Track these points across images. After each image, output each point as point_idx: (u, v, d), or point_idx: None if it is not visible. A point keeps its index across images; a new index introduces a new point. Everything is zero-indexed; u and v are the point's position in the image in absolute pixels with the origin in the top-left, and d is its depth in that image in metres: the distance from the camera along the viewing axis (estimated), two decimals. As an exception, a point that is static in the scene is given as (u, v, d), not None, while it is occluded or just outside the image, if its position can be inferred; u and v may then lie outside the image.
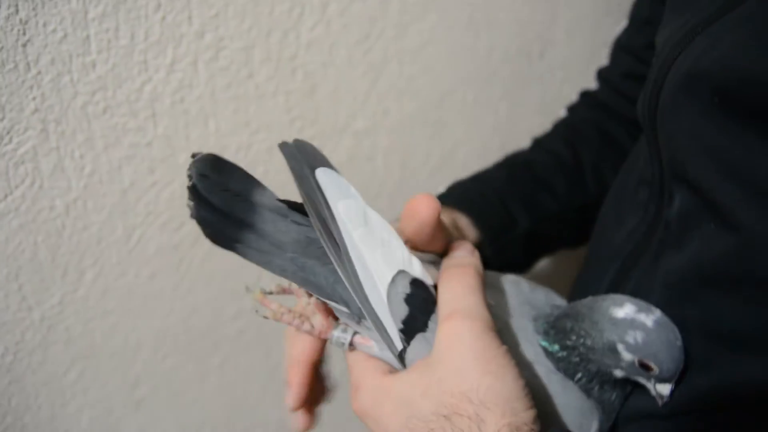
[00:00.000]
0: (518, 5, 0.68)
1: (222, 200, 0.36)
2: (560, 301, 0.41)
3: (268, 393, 0.70)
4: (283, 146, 0.37)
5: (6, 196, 0.52)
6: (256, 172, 0.60)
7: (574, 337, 0.37)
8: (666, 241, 0.39)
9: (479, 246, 0.48)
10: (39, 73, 0.49)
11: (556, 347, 0.37)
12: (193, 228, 0.60)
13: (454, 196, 0.52)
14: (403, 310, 0.35)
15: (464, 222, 0.50)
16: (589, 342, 0.37)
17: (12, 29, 0.47)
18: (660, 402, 0.37)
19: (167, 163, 0.56)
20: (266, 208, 0.36)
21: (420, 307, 0.35)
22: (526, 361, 0.37)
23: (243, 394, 0.69)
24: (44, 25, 0.48)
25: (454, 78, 0.67)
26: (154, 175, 0.56)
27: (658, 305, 0.37)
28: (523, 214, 0.53)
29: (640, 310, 0.36)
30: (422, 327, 0.35)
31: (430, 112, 0.68)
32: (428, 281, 0.36)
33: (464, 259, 0.37)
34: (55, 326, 0.58)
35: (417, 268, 0.36)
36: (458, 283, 0.35)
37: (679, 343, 0.36)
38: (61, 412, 0.62)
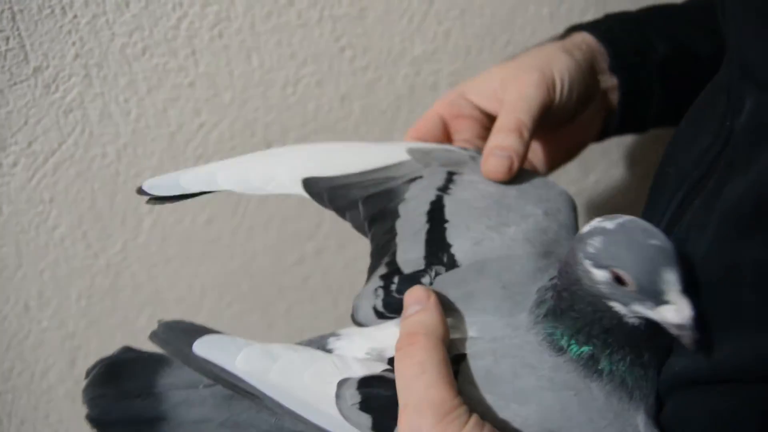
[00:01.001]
0: None
1: (124, 410, 0.35)
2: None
3: (336, 340, 0.68)
4: (153, 337, 0.35)
5: (60, 145, 0.53)
6: (307, 109, 0.59)
7: (566, 293, 0.32)
8: (733, 163, 0.32)
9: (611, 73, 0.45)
10: (75, 16, 0.49)
11: (566, 337, 0.32)
12: (246, 171, 0.58)
13: (581, 25, 0.48)
14: (366, 420, 0.31)
15: (592, 45, 0.46)
16: (574, 287, 0.31)
17: (44, -28, 0.47)
18: (682, 336, 0.29)
19: (212, 103, 0.54)
20: (174, 389, 0.35)
21: (382, 407, 0.31)
22: (531, 389, 0.31)
23: (311, 341, 0.68)
24: (74, -35, 0.47)
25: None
26: (200, 117, 0.55)
27: (709, 245, 0.30)
28: (661, 42, 0.47)
29: (605, 218, 0.30)
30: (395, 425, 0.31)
31: (498, 32, 0.61)
32: (376, 369, 0.32)
33: (413, 323, 0.32)
34: (121, 272, 0.59)
35: (356, 366, 0.33)
36: (408, 364, 0.30)
37: (653, 242, 0.29)
38: (137, 357, 0.64)
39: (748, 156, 0.31)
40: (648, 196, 0.44)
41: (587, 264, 0.30)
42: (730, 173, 0.32)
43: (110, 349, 0.63)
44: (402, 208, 0.38)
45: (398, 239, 0.37)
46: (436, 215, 0.37)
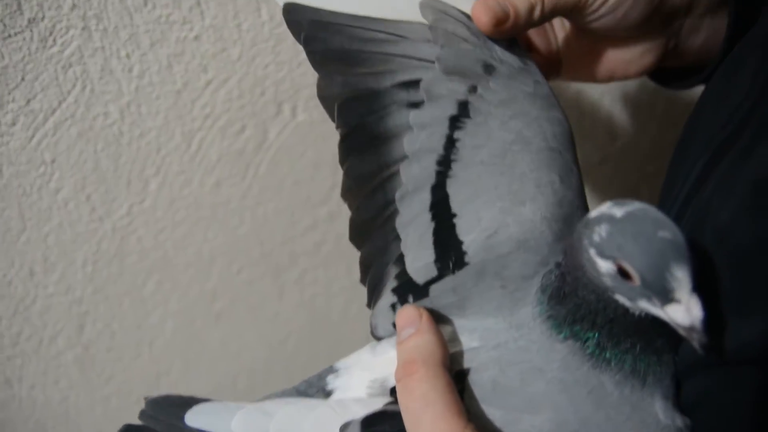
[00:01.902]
0: None
1: None
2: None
3: (351, 308, 0.66)
4: (142, 417, 0.34)
5: (60, 103, 0.50)
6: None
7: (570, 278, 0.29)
8: (765, 125, 0.29)
9: None
10: (72, -37, 0.45)
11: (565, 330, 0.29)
12: (256, 131, 0.56)
13: None
14: None
15: None
16: (578, 274, 0.29)
17: None
18: (690, 337, 0.27)
19: (220, 59, 0.51)
20: None
21: None
22: (541, 395, 0.29)
23: (325, 310, 0.66)
24: None
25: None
26: (207, 74, 0.51)
27: (734, 215, 0.27)
28: None
29: (615, 204, 0.28)
30: None
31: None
32: (377, 404, 0.31)
33: (409, 349, 0.30)
34: (127, 237, 0.57)
35: (356, 407, 0.31)
36: (411, 399, 0.28)
37: (663, 234, 0.26)
38: (145, 322, 0.62)
39: None
40: (670, 161, 0.40)
41: (592, 252, 0.28)
42: (763, 134, 0.29)
43: (118, 315, 0.62)
44: (400, 198, 0.34)
45: (403, 246, 0.34)
46: (441, 207, 0.34)
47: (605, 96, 0.65)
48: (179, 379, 0.66)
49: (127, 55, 0.49)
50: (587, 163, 0.67)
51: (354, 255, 0.67)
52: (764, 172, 0.28)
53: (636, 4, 0.39)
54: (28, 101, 0.49)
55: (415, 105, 0.34)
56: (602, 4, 0.39)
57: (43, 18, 0.47)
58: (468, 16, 0.36)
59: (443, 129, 0.34)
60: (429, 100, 0.34)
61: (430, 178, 0.34)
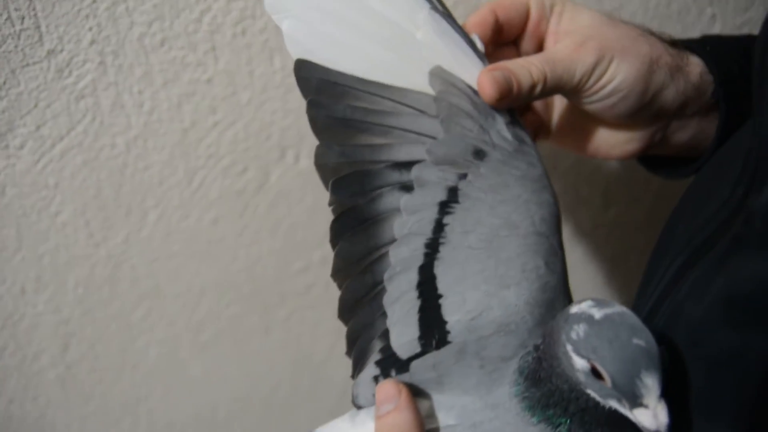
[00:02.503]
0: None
1: None
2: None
3: (335, 352, 0.67)
4: None
5: (69, 132, 0.51)
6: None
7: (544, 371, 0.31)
8: (743, 240, 0.30)
9: (706, 91, 0.41)
10: (94, 1, 0.47)
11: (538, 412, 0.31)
12: (258, 173, 0.57)
13: (686, 39, 0.44)
14: None
15: (694, 65, 0.42)
16: (554, 363, 0.30)
17: (66, -46, 0.45)
18: None
19: (229, 102, 0.52)
20: None
21: None
22: None
23: (309, 351, 0.67)
24: (98, -51, 0.45)
25: None
26: (215, 115, 0.53)
27: (706, 322, 0.28)
28: None
29: (596, 304, 0.29)
30: None
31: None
32: None
33: (387, 427, 0.31)
34: (121, 264, 0.58)
35: None
36: None
37: (638, 341, 0.28)
38: (130, 346, 0.62)
39: (761, 240, 0.29)
40: (652, 252, 0.41)
41: (569, 348, 0.29)
42: (738, 249, 0.30)
43: (104, 338, 0.62)
44: (388, 278, 0.35)
45: (389, 322, 0.35)
46: (428, 286, 0.35)
47: (604, 163, 0.66)
48: (158, 405, 0.66)
49: (140, 92, 0.50)
50: (580, 228, 0.68)
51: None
52: (736, 288, 0.29)
53: (627, 98, 0.40)
54: (38, 127, 0.50)
55: (407, 188, 0.35)
56: (596, 91, 0.40)
57: (62, 50, 0.48)
58: (474, 90, 0.37)
59: (432, 214, 0.35)
60: (419, 187, 0.35)
61: (418, 259, 0.35)
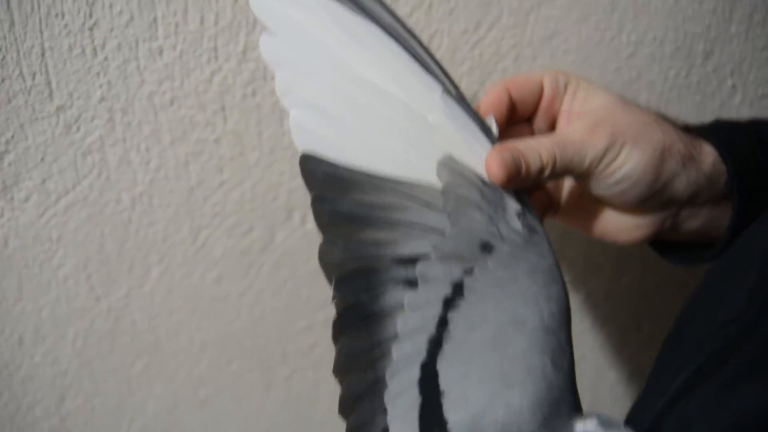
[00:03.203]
0: (679, -8, 0.55)
1: None
2: None
3: (335, 413, 0.65)
4: None
5: (74, 186, 0.50)
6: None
7: None
8: (758, 366, 0.28)
9: (719, 181, 0.40)
10: (105, 59, 0.46)
11: None
12: (264, 233, 0.56)
13: (699, 126, 0.43)
14: None
15: (707, 154, 0.41)
16: None
17: (79, 12, 0.45)
18: None
19: (237, 163, 0.52)
20: None
21: None
22: None
23: (309, 411, 0.65)
24: (110, 6, 0.45)
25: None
26: (222, 175, 0.52)
27: None
28: None
29: (601, 424, 0.29)
30: None
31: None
32: None
33: None
34: (122, 318, 0.57)
35: None
36: None
37: None
38: (128, 400, 0.61)
39: None
40: (662, 346, 0.39)
41: None
42: (753, 374, 0.29)
43: (101, 391, 0.61)
44: (390, 374, 0.34)
45: (389, 419, 0.33)
46: (430, 383, 0.33)
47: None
48: (154, 461, 0.64)
49: (147, 149, 0.50)
50: (591, 296, 0.66)
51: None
52: (750, 420, 0.27)
53: (637, 185, 0.39)
54: (44, 180, 0.50)
55: (411, 284, 0.34)
56: (606, 177, 0.39)
57: (71, 106, 0.47)
58: (484, 181, 0.36)
59: (436, 310, 0.34)
60: (424, 283, 0.34)
61: (421, 356, 0.33)
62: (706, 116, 0.60)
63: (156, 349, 0.59)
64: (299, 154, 0.36)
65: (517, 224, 0.35)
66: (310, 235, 0.56)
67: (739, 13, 0.56)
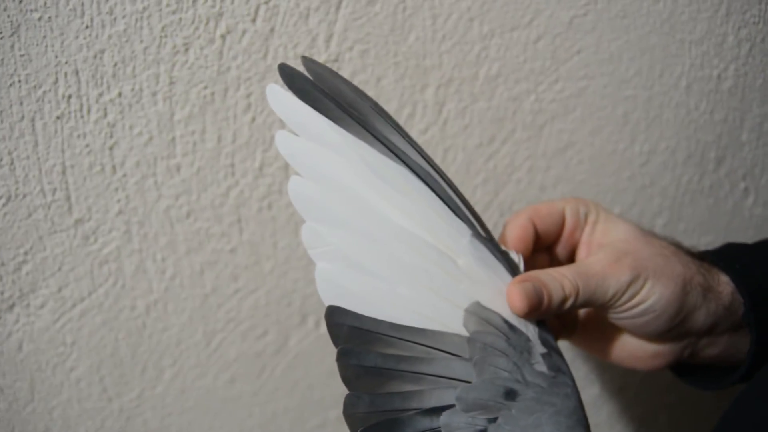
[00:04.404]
0: (693, 100, 0.56)
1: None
2: None
3: None
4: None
5: (90, 294, 0.51)
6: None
7: None
8: None
9: (737, 311, 0.40)
10: (124, 175, 0.47)
11: None
12: (277, 337, 0.56)
13: (714, 254, 0.43)
14: None
15: (724, 285, 0.41)
16: None
17: (100, 132, 0.46)
18: None
19: (252, 271, 0.52)
20: None
21: None
22: None
23: (320, 507, 0.64)
24: (131, 127, 0.46)
25: (597, 189, 0.57)
26: (237, 283, 0.52)
27: None
28: None
29: None
30: None
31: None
32: None
33: None
34: (133, 418, 0.56)
35: None
36: None
37: None
38: (137, 498, 0.60)
39: None
40: None
41: None
42: None
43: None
44: None
45: None
46: None
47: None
48: None
49: (163, 259, 0.50)
50: (606, 390, 0.66)
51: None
52: None
53: (659, 318, 0.39)
54: (60, 289, 0.50)
55: None
56: (627, 310, 0.39)
57: (89, 219, 0.48)
58: (510, 326, 0.36)
59: None
60: None
61: None
62: (720, 217, 0.60)
63: (167, 448, 0.59)
64: (317, 278, 0.35)
65: (542, 367, 0.35)
66: (324, 339, 0.56)
67: (749, 122, 0.56)
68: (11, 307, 0.50)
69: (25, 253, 0.48)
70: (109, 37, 0.44)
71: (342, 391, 0.63)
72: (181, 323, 0.53)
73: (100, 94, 0.45)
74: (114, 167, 0.47)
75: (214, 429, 0.59)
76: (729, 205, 0.59)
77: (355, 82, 0.49)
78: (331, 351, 0.57)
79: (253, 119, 0.47)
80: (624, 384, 0.66)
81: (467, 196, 0.54)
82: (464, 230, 0.36)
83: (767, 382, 0.38)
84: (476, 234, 0.36)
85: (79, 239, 0.49)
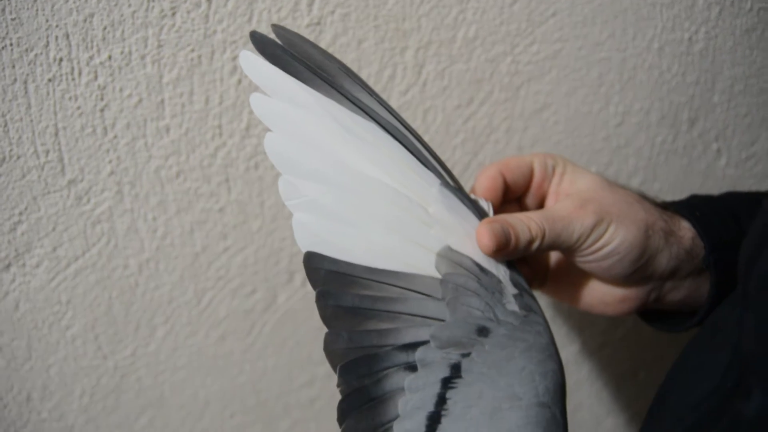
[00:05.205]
0: (665, 62, 0.58)
1: None
2: None
3: (336, 464, 0.66)
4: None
5: (84, 253, 0.52)
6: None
7: None
8: None
9: (698, 255, 0.42)
10: (115, 137, 0.49)
11: None
12: (266, 295, 0.58)
13: (677, 203, 0.45)
14: None
15: (686, 230, 0.43)
16: None
17: (91, 95, 0.47)
18: None
19: (240, 230, 0.54)
20: None
21: None
22: None
23: (310, 462, 0.66)
24: (120, 90, 0.47)
25: (574, 149, 0.59)
26: (226, 241, 0.54)
27: None
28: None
29: None
30: None
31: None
32: None
33: None
34: (128, 376, 0.58)
35: None
36: None
37: None
38: (133, 454, 0.63)
39: None
40: (645, 418, 0.41)
41: None
42: None
43: (107, 445, 0.62)
44: None
45: None
46: None
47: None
48: None
49: (154, 219, 0.52)
50: (587, 347, 0.68)
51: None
52: None
53: (623, 261, 0.41)
54: (55, 248, 0.52)
55: (411, 368, 0.36)
56: (593, 252, 0.41)
57: (82, 180, 0.50)
58: (481, 268, 0.38)
59: (435, 389, 0.35)
60: (423, 367, 0.36)
61: (421, 431, 0.35)
62: (693, 177, 0.62)
63: (160, 405, 0.61)
64: (294, 226, 0.37)
65: (513, 306, 0.37)
66: (311, 296, 0.58)
67: (720, 84, 0.58)
68: (7, 266, 0.51)
69: (20, 214, 0.50)
70: (98, 0, 0.45)
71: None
72: (173, 282, 0.55)
73: (91, 57, 0.46)
74: (105, 129, 0.48)
75: (206, 386, 0.61)
76: (702, 166, 0.61)
77: (337, 45, 0.50)
78: (318, 309, 0.60)
79: (239, 81, 0.49)
80: (604, 341, 0.68)
81: (446, 156, 0.55)
82: (433, 180, 0.38)
83: (709, 327, 0.40)
84: (445, 183, 0.38)
85: (72, 200, 0.50)
